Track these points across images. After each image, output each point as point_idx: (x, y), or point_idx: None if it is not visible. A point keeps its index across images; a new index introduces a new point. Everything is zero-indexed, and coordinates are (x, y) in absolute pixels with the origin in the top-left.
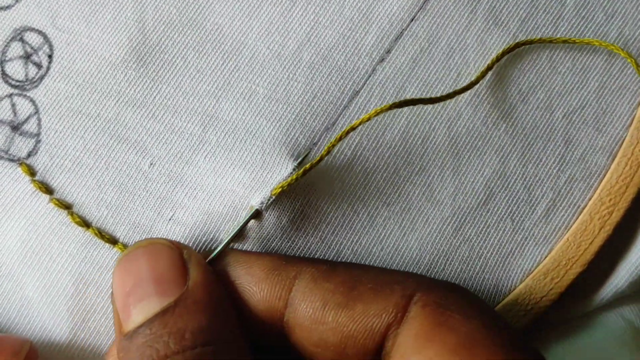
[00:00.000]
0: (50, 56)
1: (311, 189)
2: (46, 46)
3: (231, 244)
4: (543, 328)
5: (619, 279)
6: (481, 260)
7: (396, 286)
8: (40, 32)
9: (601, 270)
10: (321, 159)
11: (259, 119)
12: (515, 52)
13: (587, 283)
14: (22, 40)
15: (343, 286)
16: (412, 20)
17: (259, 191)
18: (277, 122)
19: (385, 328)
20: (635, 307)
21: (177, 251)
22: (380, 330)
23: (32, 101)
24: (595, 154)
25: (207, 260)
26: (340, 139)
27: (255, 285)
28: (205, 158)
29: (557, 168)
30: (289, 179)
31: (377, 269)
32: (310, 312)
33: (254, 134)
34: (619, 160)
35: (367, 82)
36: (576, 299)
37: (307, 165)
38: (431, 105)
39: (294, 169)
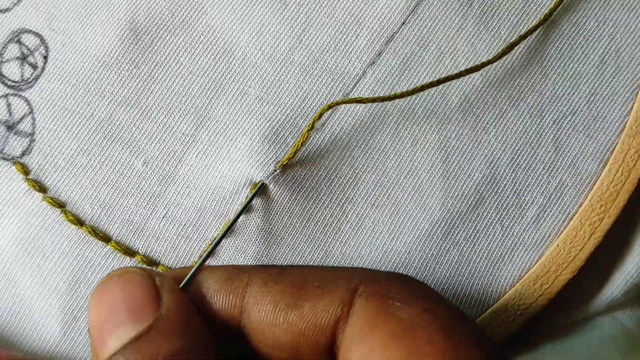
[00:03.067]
0: (45, 57)
1: (299, 187)
2: (42, 47)
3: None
4: (535, 334)
5: (615, 287)
6: (470, 265)
7: (341, 281)
8: (36, 34)
9: (596, 279)
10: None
11: (250, 118)
12: (504, 57)
13: (581, 291)
14: (19, 42)
15: (292, 286)
16: (404, 23)
17: (248, 189)
18: (268, 122)
19: (334, 323)
20: (627, 309)
21: (150, 279)
22: (329, 325)
23: (27, 101)
24: (586, 160)
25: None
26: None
27: (211, 298)
28: (197, 156)
29: (547, 174)
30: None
31: (326, 267)
32: (262, 315)
33: (245, 133)
34: (609, 167)
35: (357, 85)
36: (570, 306)
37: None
38: (421, 109)
39: (274, 170)
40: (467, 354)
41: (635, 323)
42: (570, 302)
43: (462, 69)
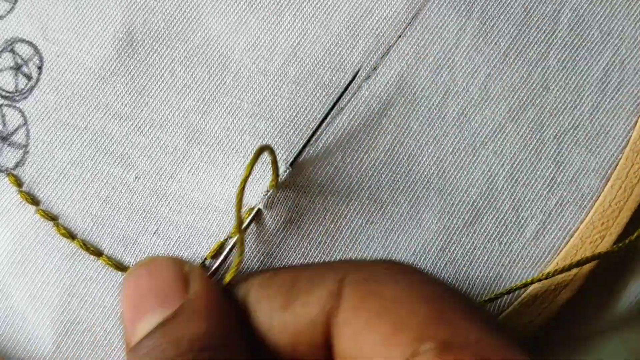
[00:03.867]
0: (40, 68)
1: (292, 204)
2: (36, 57)
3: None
4: (538, 350)
5: (620, 306)
6: (467, 282)
7: (328, 274)
8: (30, 44)
9: (600, 297)
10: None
11: (243, 134)
12: (506, 67)
13: (584, 310)
14: (12, 51)
15: (283, 287)
16: (400, 36)
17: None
18: (260, 138)
19: (326, 317)
20: (634, 328)
21: (178, 265)
22: (321, 319)
23: (22, 112)
24: (588, 175)
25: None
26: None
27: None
28: (189, 172)
29: (547, 190)
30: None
31: (316, 264)
32: (259, 321)
33: (237, 150)
34: (612, 183)
35: (352, 99)
36: (572, 326)
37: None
38: (417, 123)
39: (268, 190)
40: (453, 318)
41: None
42: (572, 320)
43: (460, 82)
